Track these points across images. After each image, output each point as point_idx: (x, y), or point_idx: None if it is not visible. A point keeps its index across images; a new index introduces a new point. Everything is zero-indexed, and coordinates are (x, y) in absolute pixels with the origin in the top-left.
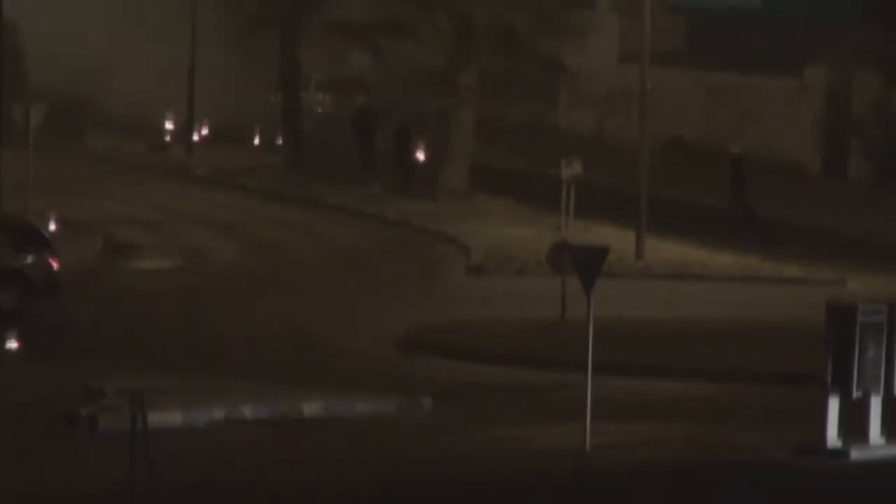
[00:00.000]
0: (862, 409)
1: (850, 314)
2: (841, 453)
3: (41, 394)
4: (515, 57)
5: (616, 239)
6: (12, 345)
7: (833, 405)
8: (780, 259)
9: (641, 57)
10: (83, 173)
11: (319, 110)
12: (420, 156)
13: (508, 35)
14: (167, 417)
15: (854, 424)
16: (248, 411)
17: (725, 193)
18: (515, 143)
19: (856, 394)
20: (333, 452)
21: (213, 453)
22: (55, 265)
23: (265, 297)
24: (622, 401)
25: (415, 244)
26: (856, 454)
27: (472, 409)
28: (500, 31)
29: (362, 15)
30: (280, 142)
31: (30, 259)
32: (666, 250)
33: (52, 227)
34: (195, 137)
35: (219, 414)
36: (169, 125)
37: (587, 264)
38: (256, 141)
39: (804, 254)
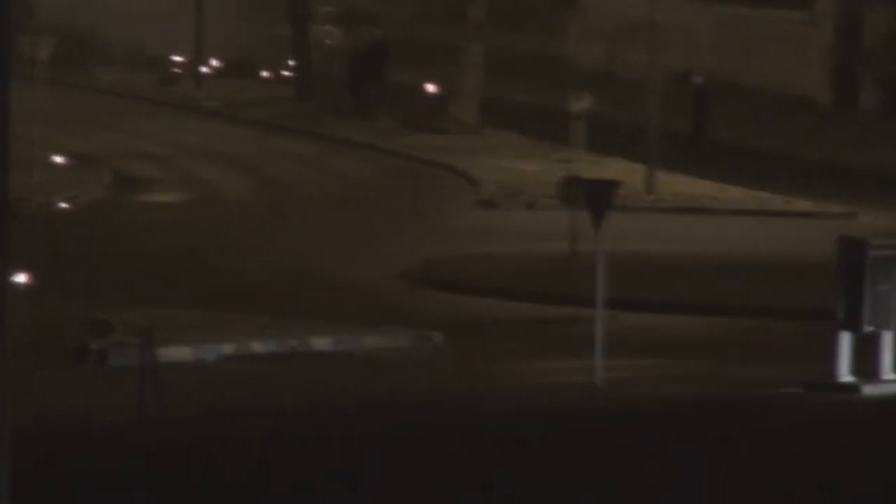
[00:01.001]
0: (873, 343)
1: (860, 248)
2: (852, 388)
3: (50, 329)
4: None
5: (626, 173)
6: (19, 279)
7: (844, 340)
8: (791, 193)
9: None
10: (91, 107)
11: (328, 43)
12: (429, 89)
13: None
14: (176, 352)
15: (865, 359)
16: (257, 346)
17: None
18: (525, 76)
19: (867, 329)
20: (342, 386)
21: (223, 387)
22: None
23: (273, 231)
24: (634, 336)
25: (424, 178)
26: (867, 389)
27: (482, 343)
28: None
29: None
30: (289, 75)
31: None
32: (676, 184)
33: (59, 160)
34: (204, 70)
35: (228, 348)
36: (177, 58)
37: (597, 198)
38: (265, 74)
39: (815, 188)
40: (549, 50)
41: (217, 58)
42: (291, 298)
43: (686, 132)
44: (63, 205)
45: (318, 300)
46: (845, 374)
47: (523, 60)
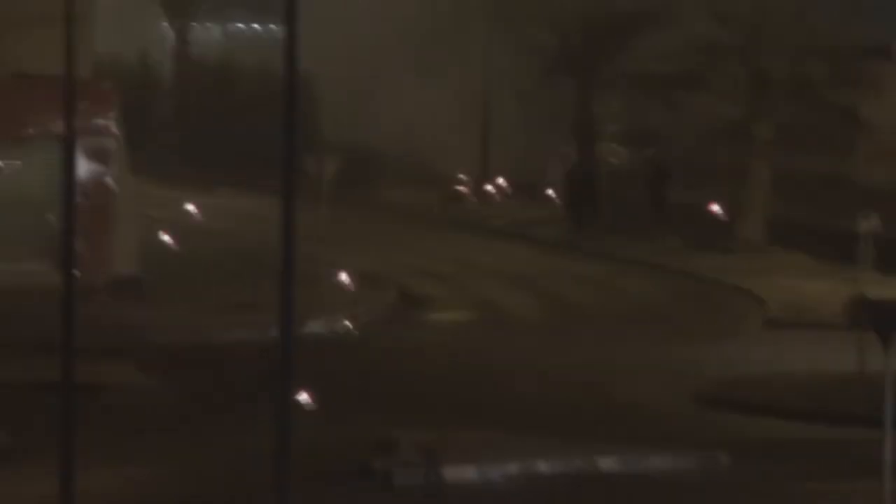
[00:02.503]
0: None
1: None
2: None
3: (334, 447)
4: (811, 109)
5: None
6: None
7: None
8: None
9: None
10: (376, 225)
11: (613, 161)
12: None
13: (804, 86)
14: (461, 471)
15: None
16: (543, 466)
17: None
18: (812, 195)
19: None
20: None
21: None
22: None
23: (559, 351)
24: None
25: (710, 297)
26: None
27: (769, 465)
28: (795, 83)
29: (656, 66)
30: (574, 194)
31: None
32: None
33: (344, 278)
34: (489, 188)
35: (513, 468)
36: (462, 176)
37: (885, 319)
38: (550, 192)
39: None
40: (838, 169)
41: (502, 176)
42: (576, 417)
43: None
44: (348, 323)
45: (602, 419)
46: None
47: (810, 180)
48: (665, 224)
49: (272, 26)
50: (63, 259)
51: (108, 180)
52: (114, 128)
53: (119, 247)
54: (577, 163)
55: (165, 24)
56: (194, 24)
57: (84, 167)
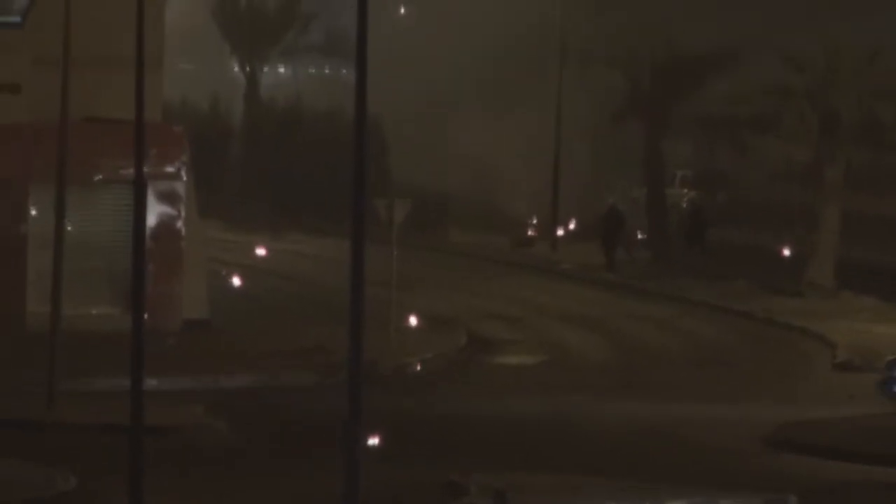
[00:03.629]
0: None
1: None
2: None
3: (403, 491)
4: (882, 149)
5: None
6: (372, 440)
7: None
8: None
9: None
10: (446, 268)
11: (684, 205)
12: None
13: (874, 127)
14: None
15: None
16: None
17: None
18: (883, 238)
19: None
20: None
21: None
22: None
23: (628, 393)
24: None
25: (779, 340)
26: None
27: None
28: (865, 124)
29: (726, 109)
30: (644, 237)
31: None
32: None
33: (414, 322)
34: (559, 232)
35: None
36: (532, 220)
37: None
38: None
39: None
40: None
41: (572, 219)
42: (645, 460)
43: None
44: (418, 367)
45: (671, 462)
46: None
47: (881, 223)
48: (733, 266)
49: (343, 70)
50: (133, 303)
51: (178, 224)
52: (183, 172)
53: (188, 290)
54: (612, 204)
55: (236, 67)
56: (265, 67)
57: (154, 211)
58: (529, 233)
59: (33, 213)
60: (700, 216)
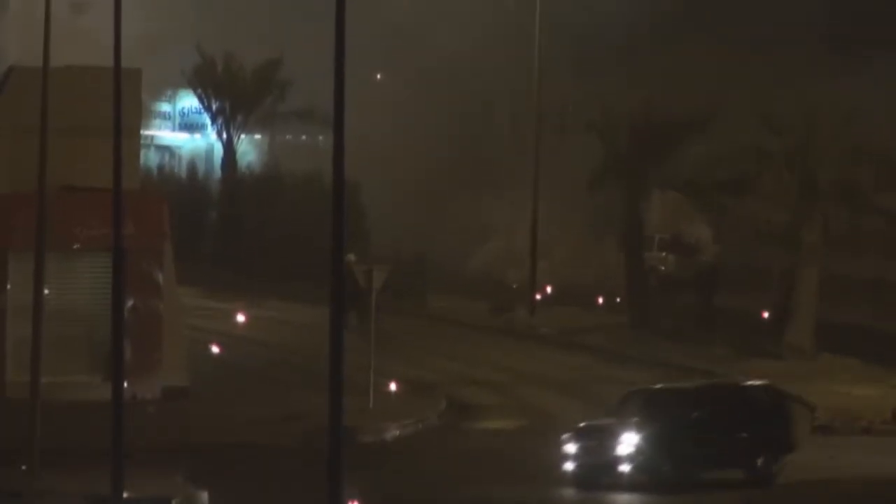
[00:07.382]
0: None
1: None
2: None
3: None
4: (860, 212)
5: None
6: None
7: None
8: None
9: None
10: (426, 334)
11: (662, 269)
12: None
13: (852, 190)
14: None
15: None
16: None
17: None
18: (861, 300)
19: None
20: None
21: None
22: None
23: None
24: None
25: None
26: None
27: None
28: (843, 186)
29: (704, 172)
30: (623, 301)
31: None
32: None
33: (394, 387)
34: (537, 297)
35: None
36: (511, 285)
37: None
38: (600, 300)
39: None
40: (887, 274)
41: (550, 284)
42: None
43: None
44: (397, 432)
45: None
46: None
47: (860, 284)
48: (712, 330)
49: (320, 137)
50: (112, 371)
51: (157, 292)
52: (162, 240)
53: (167, 357)
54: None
55: (213, 135)
56: (242, 134)
57: (133, 279)
58: (507, 298)
59: (10, 284)
60: (710, 285)
